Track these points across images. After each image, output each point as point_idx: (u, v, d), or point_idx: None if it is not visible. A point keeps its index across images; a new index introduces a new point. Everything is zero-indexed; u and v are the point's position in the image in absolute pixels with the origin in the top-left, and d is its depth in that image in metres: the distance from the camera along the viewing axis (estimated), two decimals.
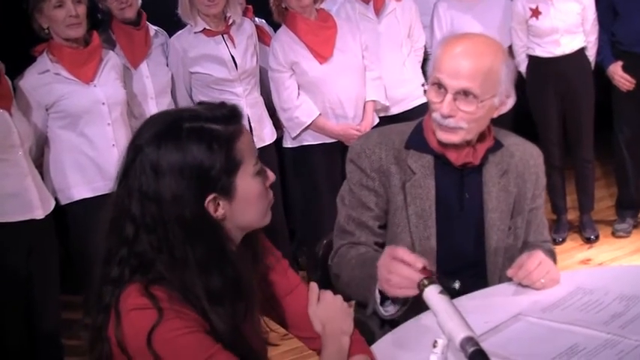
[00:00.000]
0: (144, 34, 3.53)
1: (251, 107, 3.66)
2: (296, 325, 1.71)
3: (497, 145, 2.09)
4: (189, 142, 1.44)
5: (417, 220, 2.04)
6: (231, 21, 3.63)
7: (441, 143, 2.01)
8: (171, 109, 1.82)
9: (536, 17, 4.12)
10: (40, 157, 3.19)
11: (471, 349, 1.43)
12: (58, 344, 3.19)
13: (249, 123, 3.60)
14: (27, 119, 3.03)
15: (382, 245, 2.10)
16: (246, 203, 1.51)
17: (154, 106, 3.47)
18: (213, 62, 3.60)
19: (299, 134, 3.78)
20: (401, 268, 1.66)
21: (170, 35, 3.67)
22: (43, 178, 3.11)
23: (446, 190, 2.05)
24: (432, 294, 1.57)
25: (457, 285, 1.69)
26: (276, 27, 3.89)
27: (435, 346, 1.46)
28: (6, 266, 2.88)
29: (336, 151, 3.74)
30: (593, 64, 4.26)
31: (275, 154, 3.82)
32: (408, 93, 3.88)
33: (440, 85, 1.95)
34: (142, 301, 1.40)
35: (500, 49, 1.98)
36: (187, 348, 1.40)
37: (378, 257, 1.87)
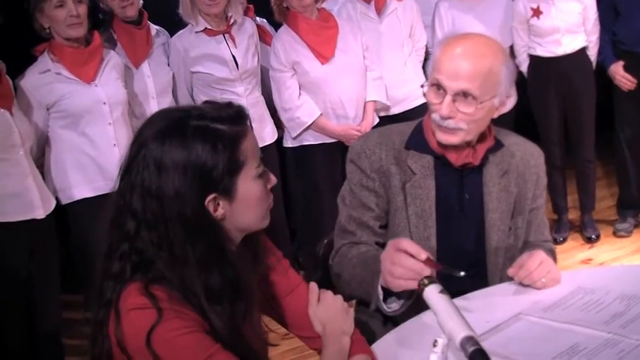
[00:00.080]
0: (145, 34, 3.53)
1: (252, 107, 3.65)
2: (297, 325, 1.71)
3: (498, 145, 2.08)
4: (194, 141, 1.44)
5: (417, 221, 2.03)
6: (232, 20, 3.63)
7: (440, 144, 2.01)
8: (178, 106, 1.82)
9: (538, 17, 4.12)
10: (41, 157, 3.19)
11: (471, 349, 1.43)
12: (59, 344, 3.19)
13: (250, 123, 3.59)
14: (28, 119, 3.03)
15: (383, 245, 2.10)
16: (246, 205, 1.51)
17: (155, 105, 3.47)
18: (214, 62, 3.60)
19: (299, 134, 3.78)
20: (405, 259, 1.65)
21: (171, 35, 3.67)
22: (44, 178, 3.11)
23: (446, 190, 2.05)
24: (432, 293, 1.57)
25: (462, 273, 1.68)
26: (277, 26, 3.89)
27: (435, 346, 1.46)
28: (7, 266, 2.88)
29: (336, 151, 3.74)
30: (594, 64, 4.26)
31: (276, 154, 3.82)
32: (409, 93, 3.88)
33: (439, 86, 1.94)
34: (141, 301, 1.40)
35: (500, 50, 1.98)
36: (187, 348, 1.40)
37: (379, 254, 1.87)
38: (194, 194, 1.44)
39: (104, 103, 3.17)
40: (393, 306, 1.78)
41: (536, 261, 1.90)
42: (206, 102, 1.56)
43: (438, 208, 2.04)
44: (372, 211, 2.08)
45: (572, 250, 4.37)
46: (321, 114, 3.74)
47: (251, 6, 3.96)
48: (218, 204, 1.48)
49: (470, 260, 2.05)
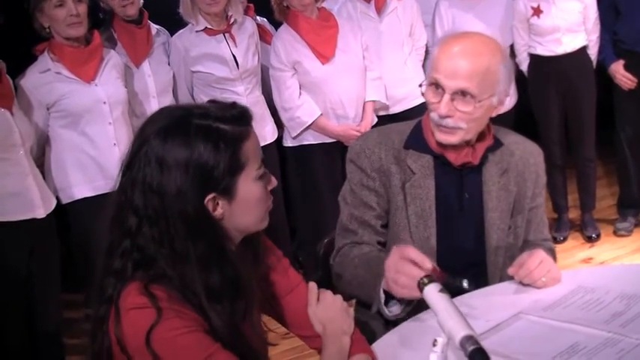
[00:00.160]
0: (146, 33, 3.53)
1: (252, 106, 3.56)
2: (296, 324, 1.72)
3: (497, 144, 2.08)
4: (196, 140, 1.44)
5: (417, 220, 2.03)
6: (232, 20, 3.63)
7: (440, 143, 2.01)
8: (182, 104, 1.82)
9: (538, 16, 4.11)
10: (41, 157, 3.19)
11: (470, 348, 1.43)
12: (59, 343, 3.19)
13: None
14: (28, 118, 3.03)
15: (385, 244, 2.10)
16: (245, 206, 1.51)
17: (155, 104, 3.47)
18: (214, 61, 3.60)
19: (299, 133, 3.78)
20: (409, 268, 1.66)
21: (171, 34, 3.67)
22: (44, 177, 3.11)
23: (445, 190, 2.05)
24: (432, 292, 1.57)
25: (466, 284, 1.68)
26: (277, 26, 3.89)
27: (434, 345, 1.46)
28: (7, 265, 2.88)
29: (335, 151, 3.75)
30: (594, 63, 4.26)
31: (276, 153, 3.82)
32: (409, 92, 3.87)
33: (437, 85, 1.94)
34: (141, 300, 1.40)
35: (498, 49, 1.97)
36: (186, 347, 1.40)
37: (382, 257, 1.87)
38: (195, 193, 1.44)
39: (104, 103, 3.17)
40: (394, 309, 1.79)
41: (536, 260, 1.89)
42: (210, 101, 1.56)
43: (438, 208, 2.04)
44: (374, 210, 2.07)
45: (573, 250, 4.37)
46: (321, 114, 3.74)
47: (251, 5, 3.96)
48: (217, 203, 1.48)
49: (470, 259, 2.06)
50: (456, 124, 1.94)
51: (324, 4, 3.79)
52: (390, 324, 1.90)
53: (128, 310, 1.40)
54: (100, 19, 3.49)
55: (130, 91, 3.39)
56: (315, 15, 3.72)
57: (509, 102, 4.06)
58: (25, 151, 2.94)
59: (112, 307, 1.43)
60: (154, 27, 3.63)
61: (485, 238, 2.06)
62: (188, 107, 1.54)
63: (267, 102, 3.82)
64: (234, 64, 3.60)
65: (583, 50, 4.20)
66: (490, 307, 1.81)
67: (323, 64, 3.71)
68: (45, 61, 3.13)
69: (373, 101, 3.86)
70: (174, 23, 3.65)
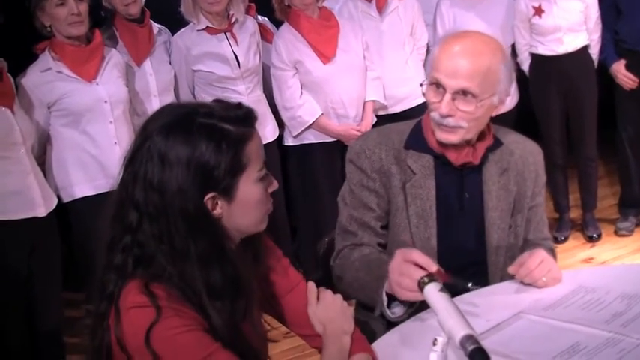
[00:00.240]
0: (147, 32, 3.53)
1: (253, 105, 3.53)
2: (297, 323, 1.71)
3: (497, 144, 2.08)
4: (199, 138, 1.44)
5: (417, 221, 2.03)
6: (233, 19, 3.63)
7: (440, 143, 2.00)
8: (186, 102, 1.82)
9: (539, 15, 4.11)
10: (42, 155, 3.19)
11: (470, 347, 1.43)
12: (60, 342, 3.19)
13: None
14: (29, 117, 3.04)
15: (385, 246, 2.10)
16: (245, 207, 1.51)
17: (157, 103, 3.46)
18: (215, 60, 3.60)
19: (300, 133, 3.78)
20: (414, 271, 1.65)
21: (173, 33, 3.67)
22: (45, 176, 3.11)
23: (446, 190, 2.04)
24: (432, 292, 1.57)
25: (471, 285, 1.69)
26: (278, 25, 3.88)
27: (435, 344, 1.46)
28: (8, 264, 2.88)
29: (336, 150, 3.75)
30: (596, 63, 4.26)
31: (277, 152, 3.82)
32: (411, 91, 3.87)
33: (438, 85, 1.94)
34: (141, 299, 1.40)
35: (498, 48, 1.97)
36: (186, 346, 1.40)
37: (383, 258, 1.87)
38: (195, 191, 1.44)
39: (105, 102, 3.17)
40: (397, 311, 1.79)
41: (536, 259, 1.89)
42: (216, 101, 1.55)
43: (439, 208, 2.03)
44: (373, 211, 2.07)
45: (574, 249, 4.37)
46: (322, 113, 3.74)
47: (253, 4, 3.95)
48: (216, 203, 1.48)
49: (470, 259, 2.05)
50: (457, 124, 1.94)
51: (324, 4, 3.79)
52: (391, 324, 1.91)
53: (128, 309, 1.41)
54: (101, 18, 3.49)
55: (132, 89, 3.39)
56: (316, 14, 3.72)
57: (511, 101, 4.06)
58: (27, 149, 2.94)
59: (113, 306, 1.43)
60: (156, 26, 3.63)
61: (486, 238, 2.06)
62: (193, 105, 1.54)
63: (268, 101, 3.82)
64: (236, 63, 3.60)
65: (584, 50, 4.20)
66: (491, 306, 1.81)
67: (324, 63, 3.71)
68: (46, 59, 3.13)
69: (373, 101, 3.86)
70: (175, 22, 3.65)
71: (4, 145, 2.85)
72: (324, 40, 3.71)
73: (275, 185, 1.58)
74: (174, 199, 1.43)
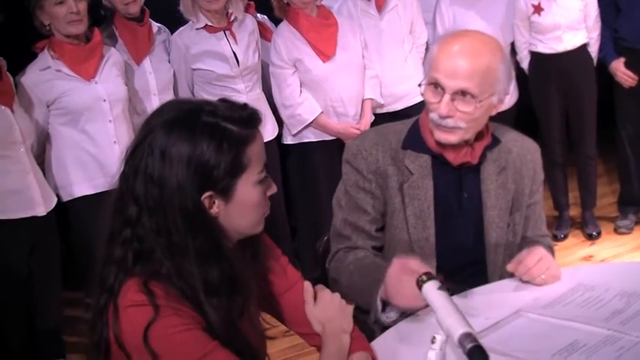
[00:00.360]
0: (147, 31, 3.53)
1: (253, 104, 3.62)
2: (295, 322, 1.71)
3: (495, 142, 2.07)
4: (201, 136, 1.44)
5: (415, 221, 2.02)
6: (232, 17, 3.63)
7: (438, 143, 1.99)
8: (191, 99, 1.81)
9: (539, 13, 4.11)
10: (41, 154, 3.19)
11: (469, 345, 1.43)
12: (60, 341, 3.20)
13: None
14: (28, 116, 3.04)
15: (380, 249, 2.09)
16: (242, 208, 1.51)
17: (156, 102, 3.46)
18: (214, 59, 3.60)
19: (299, 131, 3.78)
20: (411, 280, 1.66)
21: (172, 32, 3.67)
22: (44, 175, 3.11)
23: (444, 189, 2.04)
24: (431, 290, 1.57)
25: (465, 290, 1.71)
26: (277, 23, 3.88)
27: (433, 342, 1.46)
28: (7, 263, 2.89)
29: (335, 148, 3.74)
30: (595, 61, 4.25)
31: (277, 151, 3.82)
32: (410, 90, 3.86)
33: (437, 85, 1.93)
34: (139, 298, 1.40)
35: (497, 47, 1.96)
36: (184, 345, 1.39)
37: (377, 263, 1.87)
38: (193, 188, 1.44)
39: (104, 101, 3.18)
40: (391, 315, 1.78)
41: (535, 257, 1.89)
42: (221, 100, 1.55)
43: (437, 208, 2.02)
44: (368, 214, 2.06)
45: (573, 247, 4.37)
46: (321, 112, 3.74)
47: (252, 2, 3.96)
48: (214, 202, 1.48)
49: (469, 258, 2.05)
50: (455, 124, 1.93)
51: (323, 2, 3.78)
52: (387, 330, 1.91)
53: (126, 308, 1.40)
54: (101, 16, 3.50)
55: (131, 88, 3.40)
56: (315, 13, 3.72)
57: (510, 100, 4.06)
58: (26, 148, 2.95)
59: (112, 303, 1.43)
60: (155, 25, 3.63)
61: (485, 236, 2.05)
62: (198, 102, 1.53)
63: (267, 99, 3.82)
64: (235, 61, 3.60)
65: (584, 48, 4.19)
66: (490, 304, 1.81)
67: (324, 62, 3.71)
68: (45, 58, 3.13)
69: (370, 99, 3.86)
70: (174, 21, 3.65)
71: (4, 144, 2.86)
72: (324, 39, 3.71)
73: (274, 189, 1.57)
74: (173, 195, 1.43)
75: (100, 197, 2.99)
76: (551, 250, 2.06)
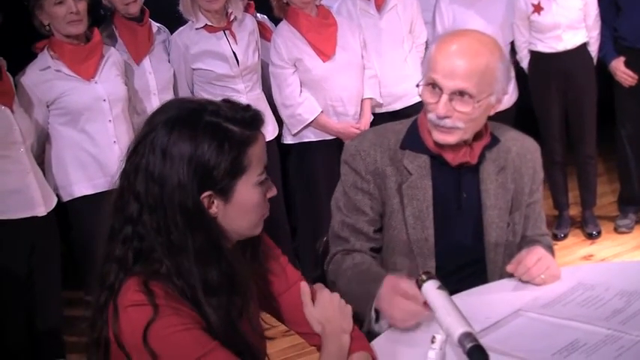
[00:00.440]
0: (147, 31, 3.53)
1: (253, 104, 3.62)
2: (295, 321, 1.71)
3: (494, 142, 2.07)
4: (203, 136, 1.44)
5: (414, 222, 2.02)
6: (232, 17, 3.63)
7: (437, 143, 1.99)
8: (194, 98, 1.80)
9: (538, 13, 4.11)
10: (41, 154, 3.19)
11: (469, 345, 1.43)
12: (60, 341, 3.19)
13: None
14: (28, 116, 3.04)
15: (378, 250, 2.09)
16: (241, 209, 1.51)
17: (156, 102, 3.46)
18: (214, 58, 3.60)
19: (299, 131, 3.78)
20: (403, 303, 1.67)
21: (172, 32, 3.67)
22: (44, 175, 3.11)
23: (443, 189, 2.03)
24: (431, 289, 1.57)
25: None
26: (277, 23, 3.88)
27: (433, 342, 1.46)
28: (7, 263, 2.89)
29: (335, 148, 3.74)
30: (595, 60, 4.25)
31: (277, 150, 3.82)
32: (409, 89, 3.83)
33: (435, 85, 1.92)
34: (138, 297, 1.40)
35: (495, 47, 1.95)
36: (184, 345, 1.39)
37: (373, 270, 1.87)
38: (193, 187, 1.44)
39: (104, 100, 3.18)
40: (383, 324, 1.79)
41: (534, 257, 1.89)
42: (225, 100, 1.54)
43: (436, 208, 2.02)
44: (366, 215, 2.05)
45: (573, 247, 4.37)
46: (321, 111, 3.74)
47: (252, 2, 3.96)
48: (212, 202, 1.48)
49: (469, 258, 2.05)
50: (454, 124, 1.92)
51: (322, 2, 3.78)
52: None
53: (126, 308, 1.40)
54: (101, 16, 3.50)
55: (131, 88, 3.40)
56: (315, 12, 3.72)
57: (510, 99, 4.06)
58: (26, 148, 2.95)
59: (112, 301, 1.43)
60: (155, 25, 3.63)
61: (485, 236, 2.05)
62: (201, 102, 1.53)
63: (267, 99, 3.82)
64: (235, 61, 3.60)
65: (583, 47, 4.19)
66: (489, 304, 1.81)
67: (324, 61, 3.71)
68: (45, 58, 3.13)
69: (370, 98, 3.86)
70: (174, 21, 3.65)
71: (4, 144, 2.86)
72: (324, 39, 3.71)
73: (274, 191, 1.57)
74: (173, 193, 1.43)
75: (100, 197, 2.99)
76: (550, 250, 2.06)
